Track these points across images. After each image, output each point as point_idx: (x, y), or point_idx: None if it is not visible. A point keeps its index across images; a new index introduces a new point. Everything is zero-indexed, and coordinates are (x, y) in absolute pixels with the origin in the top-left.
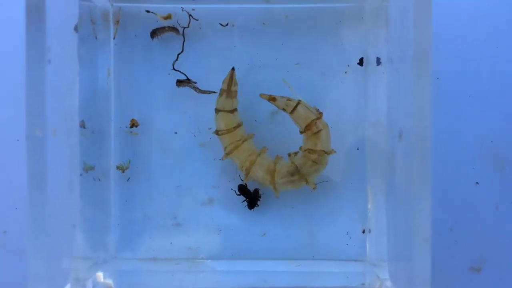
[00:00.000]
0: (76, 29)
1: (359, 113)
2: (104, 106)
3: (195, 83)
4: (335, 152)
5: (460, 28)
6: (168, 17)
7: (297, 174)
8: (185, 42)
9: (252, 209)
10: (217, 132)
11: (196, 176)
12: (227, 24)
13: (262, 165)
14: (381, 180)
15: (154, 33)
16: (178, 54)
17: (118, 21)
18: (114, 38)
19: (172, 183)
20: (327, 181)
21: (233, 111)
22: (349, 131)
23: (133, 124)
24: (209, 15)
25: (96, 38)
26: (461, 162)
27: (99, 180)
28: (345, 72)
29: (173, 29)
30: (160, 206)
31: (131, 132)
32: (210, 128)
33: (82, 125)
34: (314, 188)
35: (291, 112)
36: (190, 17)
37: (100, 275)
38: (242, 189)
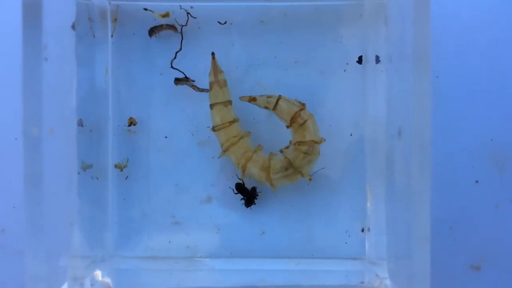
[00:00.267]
0: (73, 27)
1: (358, 111)
2: (102, 105)
3: (193, 81)
4: (325, 140)
5: (459, 26)
6: (166, 15)
7: (291, 167)
8: (183, 40)
9: (249, 207)
10: (213, 129)
11: (195, 175)
12: (225, 22)
13: (257, 162)
14: (380, 178)
15: (152, 31)
16: (176, 52)
17: (116, 19)
18: (112, 36)
19: (170, 181)
20: (323, 168)
21: (226, 104)
22: (348, 129)
23: (131, 123)
24: (208, 13)
25: (94, 36)
26: (460, 161)
27: (97, 178)
28: (344, 70)
29: (171, 27)
30: (159, 204)
31: (129, 130)
32: (208, 127)
33: (80, 124)
34: (310, 180)
35: (274, 109)
36: (188, 15)
37: (98, 274)
38: (240, 188)
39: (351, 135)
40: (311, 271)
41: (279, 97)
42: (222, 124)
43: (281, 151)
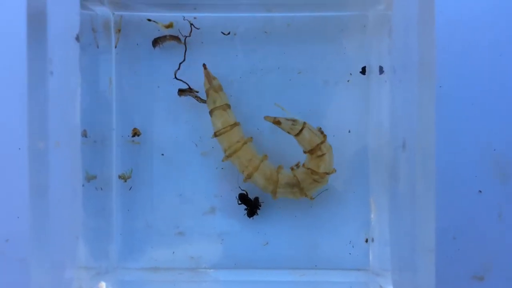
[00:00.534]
0: (77, 38)
1: (361, 122)
2: (106, 115)
3: (197, 92)
4: (335, 171)
5: (464, 37)
6: (169, 26)
7: (297, 187)
8: (187, 51)
9: (252, 218)
10: (215, 134)
11: (198, 185)
12: (229, 33)
13: (264, 172)
14: (384, 189)
15: (155, 42)
16: (180, 63)
17: (119, 30)
18: (115, 47)
19: (174, 192)
20: (327, 189)
21: (225, 107)
22: (351, 140)
23: (135, 133)
24: (211, 24)
25: (98, 47)
26: (464, 171)
27: (101, 189)
28: (348, 81)
29: (175, 37)
30: (162, 215)
31: (133, 141)
32: (212, 137)
33: (84, 135)
34: (311, 199)
35: (296, 135)
36: (192, 26)
37: (102, 285)
38: (243, 198)
39: (354, 145)
40: (315, 282)
41: (304, 126)
42: (224, 128)
43: (292, 169)
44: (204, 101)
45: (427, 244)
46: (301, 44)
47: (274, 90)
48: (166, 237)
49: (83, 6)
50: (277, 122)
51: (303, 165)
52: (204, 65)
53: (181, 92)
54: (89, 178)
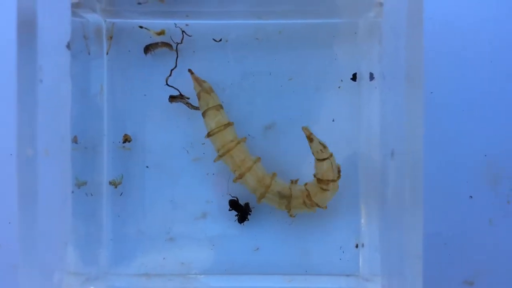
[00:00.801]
0: (68, 46)
1: (352, 128)
2: (97, 122)
3: (188, 98)
4: (326, 208)
5: (452, 43)
6: (161, 33)
7: (285, 200)
8: (178, 58)
9: (243, 223)
10: (208, 134)
11: (189, 191)
12: (220, 40)
13: (257, 174)
14: (374, 195)
15: (147, 49)
16: (172, 70)
17: (111, 37)
18: (107, 54)
19: (165, 198)
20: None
21: (218, 108)
22: (342, 146)
23: (126, 139)
24: (203, 31)
25: (89, 53)
26: (454, 176)
27: (92, 195)
28: (339, 87)
29: (167, 44)
30: (153, 221)
31: (123, 147)
32: (203, 144)
33: (75, 141)
34: (292, 216)
35: (317, 159)
36: (184, 33)
37: None
38: (233, 204)
39: (345, 151)
40: None
41: (329, 157)
42: (217, 128)
43: (291, 182)
44: (195, 108)
45: (415, 250)
46: (292, 51)
47: (266, 96)
48: (157, 243)
49: (74, 13)
50: (310, 139)
51: (305, 184)
52: (189, 70)
53: (172, 98)
54: (80, 184)
